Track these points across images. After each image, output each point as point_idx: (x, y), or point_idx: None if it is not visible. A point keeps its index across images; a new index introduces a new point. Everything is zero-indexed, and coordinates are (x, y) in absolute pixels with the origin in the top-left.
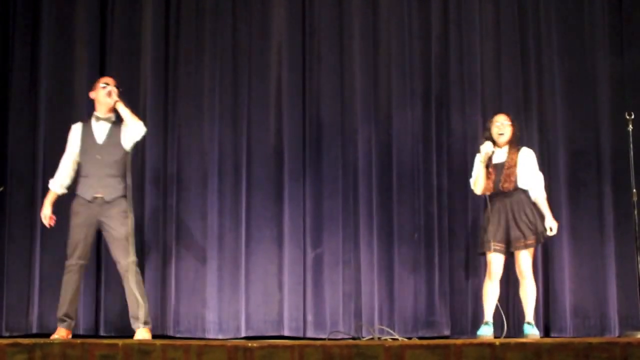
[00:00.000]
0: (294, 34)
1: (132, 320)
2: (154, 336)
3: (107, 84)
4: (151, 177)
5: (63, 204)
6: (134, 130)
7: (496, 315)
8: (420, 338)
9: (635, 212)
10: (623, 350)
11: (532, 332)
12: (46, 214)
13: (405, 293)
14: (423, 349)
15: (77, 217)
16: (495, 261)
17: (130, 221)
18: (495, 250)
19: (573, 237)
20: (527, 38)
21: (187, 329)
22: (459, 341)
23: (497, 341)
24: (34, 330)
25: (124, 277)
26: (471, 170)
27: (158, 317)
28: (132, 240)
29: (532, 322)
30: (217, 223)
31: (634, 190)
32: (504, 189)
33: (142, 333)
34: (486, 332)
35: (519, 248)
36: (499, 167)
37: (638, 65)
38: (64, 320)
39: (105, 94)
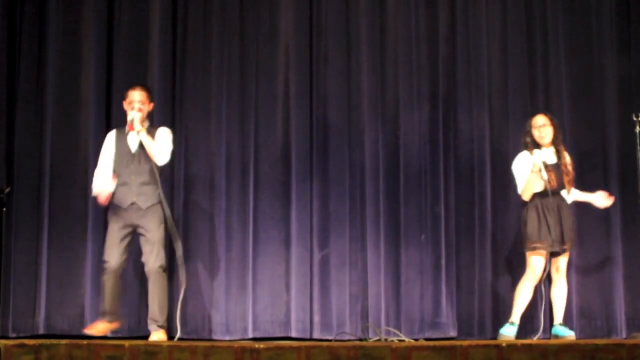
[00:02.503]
0: (301, 35)
1: (149, 322)
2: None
3: (132, 101)
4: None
5: (71, 207)
6: (156, 160)
7: (503, 317)
8: (426, 339)
9: None
10: (630, 352)
11: (568, 333)
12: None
13: (411, 294)
14: (429, 350)
15: (113, 223)
16: (540, 262)
17: (163, 227)
18: (544, 249)
19: (580, 238)
20: (534, 39)
21: (194, 330)
22: (465, 342)
23: (504, 342)
24: (41, 331)
25: (150, 279)
26: (478, 171)
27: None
28: (163, 246)
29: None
30: (224, 224)
31: None
32: (568, 188)
33: (158, 335)
34: (509, 332)
35: (564, 250)
36: (554, 168)
37: None
38: (104, 315)
39: (129, 119)
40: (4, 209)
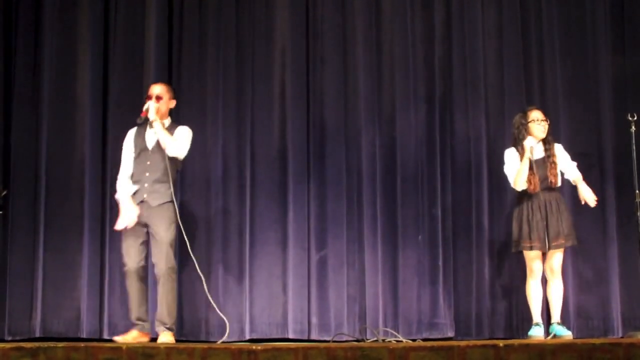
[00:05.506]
0: (298, 37)
1: (156, 323)
2: (157, 339)
3: (151, 95)
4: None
5: (67, 209)
6: (168, 150)
7: (500, 317)
8: (424, 340)
9: (638, 213)
10: (626, 351)
11: (565, 333)
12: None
13: (409, 295)
14: (427, 351)
15: None
16: (536, 260)
17: (173, 227)
18: (534, 249)
19: (576, 238)
20: (530, 40)
21: (191, 332)
22: (462, 343)
23: (501, 342)
24: (37, 334)
25: (159, 281)
26: (475, 172)
27: None
28: (173, 247)
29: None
30: (221, 225)
31: (637, 191)
32: (552, 184)
33: (167, 336)
34: (537, 332)
35: (556, 247)
36: (540, 163)
37: None
38: (136, 324)
39: (144, 108)
40: (0, 212)
